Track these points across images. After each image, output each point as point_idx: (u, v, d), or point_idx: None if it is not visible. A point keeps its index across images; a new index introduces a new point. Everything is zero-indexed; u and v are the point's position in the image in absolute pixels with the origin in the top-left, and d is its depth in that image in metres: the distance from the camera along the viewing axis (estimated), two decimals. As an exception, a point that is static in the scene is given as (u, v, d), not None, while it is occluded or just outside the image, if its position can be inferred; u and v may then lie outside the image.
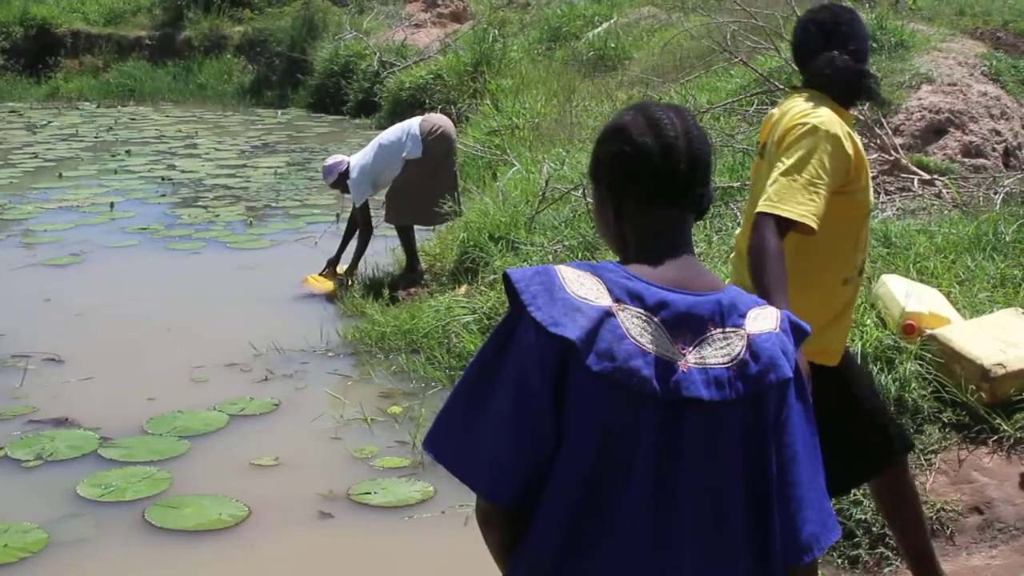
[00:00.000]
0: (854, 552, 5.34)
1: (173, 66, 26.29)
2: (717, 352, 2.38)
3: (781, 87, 9.51)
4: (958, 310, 6.32)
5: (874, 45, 11.37)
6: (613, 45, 16.98)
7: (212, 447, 7.18)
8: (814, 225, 3.81)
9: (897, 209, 8.64)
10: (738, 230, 4.73)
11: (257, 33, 26.02)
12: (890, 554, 5.23)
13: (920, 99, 10.11)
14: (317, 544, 6.04)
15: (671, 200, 2.48)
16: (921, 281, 6.66)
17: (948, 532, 5.35)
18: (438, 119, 10.68)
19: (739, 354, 2.39)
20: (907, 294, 6.17)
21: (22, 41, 26.37)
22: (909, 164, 9.15)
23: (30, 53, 26.34)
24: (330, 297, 10.24)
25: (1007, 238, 7.52)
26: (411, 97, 18.98)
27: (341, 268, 10.60)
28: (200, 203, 14.55)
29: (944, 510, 5.41)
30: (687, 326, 2.39)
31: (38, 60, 26.34)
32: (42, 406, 7.70)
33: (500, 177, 11.50)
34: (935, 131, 9.91)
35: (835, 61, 4.13)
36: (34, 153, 18.55)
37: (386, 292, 9.74)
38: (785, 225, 3.79)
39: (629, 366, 2.33)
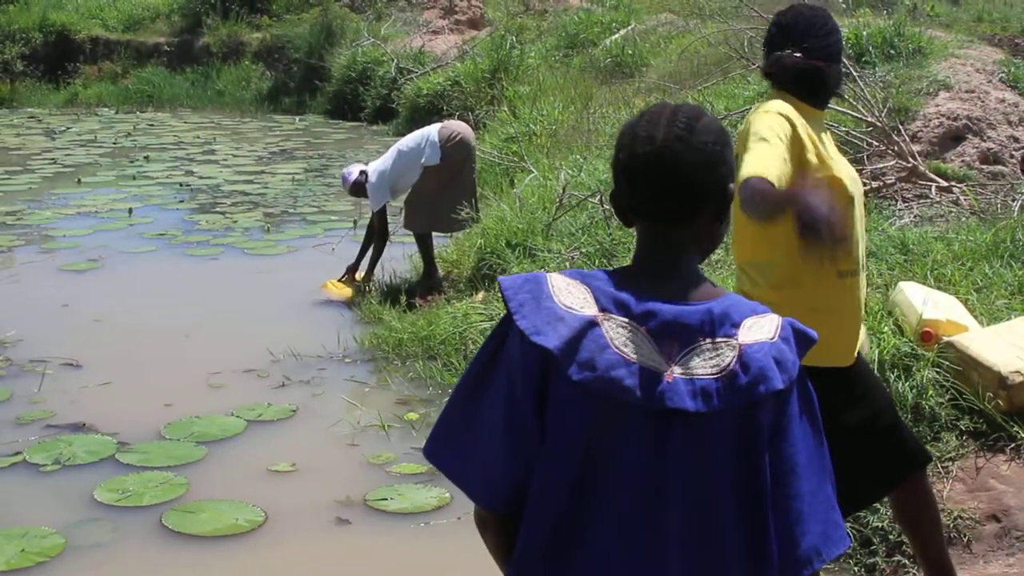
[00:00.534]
0: (871, 560, 5.34)
1: (191, 72, 26.31)
2: (706, 363, 2.35)
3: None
4: (975, 317, 6.31)
5: (891, 52, 11.37)
6: (630, 52, 16.96)
7: (229, 453, 7.20)
8: (774, 181, 3.73)
9: (915, 216, 8.62)
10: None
11: (275, 40, 26.03)
12: (907, 562, 5.22)
13: (938, 106, 10.09)
14: (333, 550, 6.05)
15: (650, 215, 2.44)
16: (938, 288, 6.65)
17: (965, 540, 5.34)
18: (457, 126, 10.69)
19: (729, 365, 2.35)
20: (924, 301, 6.17)
21: (41, 47, 26.42)
22: (927, 171, 9.13)
23: (49, 59, 26.39)
24: (347, 303, 10.25)
25: (1025, 245, 7.51)
26: (429, 104, 18.99)
27: (360, 275, 10.61)
28: (218, 209, 14.58)
29: (961, 518, 5.40)
30: (675, 336, 2.36)
31: (57, 66, 26.39)
32: (60, 411, 7.72)
33: (517, 184, 11.51)
34: (953, 138, 9.89)
35: (782, 59, 4.16)
36: (53, 159, 18.60)
37: (403, 299, 9.74)
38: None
39: (610, 376, 2.32)
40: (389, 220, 10.71)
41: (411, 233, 10.63)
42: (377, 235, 10.59)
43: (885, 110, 9.55)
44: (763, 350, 2.38)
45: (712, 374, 2.34)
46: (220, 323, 9.77)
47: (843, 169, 4.11)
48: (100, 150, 19.46)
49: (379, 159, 10.70)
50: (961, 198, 8.89)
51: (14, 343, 9.08)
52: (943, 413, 5.76)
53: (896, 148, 9.19)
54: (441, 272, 10.51)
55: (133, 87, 25.96)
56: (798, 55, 4.17)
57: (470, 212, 10.29)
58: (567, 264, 8.59)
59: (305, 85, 24.75)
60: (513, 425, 2.39)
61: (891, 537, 5.32)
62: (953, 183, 9.10)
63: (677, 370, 2.34)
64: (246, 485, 6.73)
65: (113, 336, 9.37)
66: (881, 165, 9.28)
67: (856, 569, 5.34)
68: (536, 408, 2.37)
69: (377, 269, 10.62)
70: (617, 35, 18.39)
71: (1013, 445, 5.63)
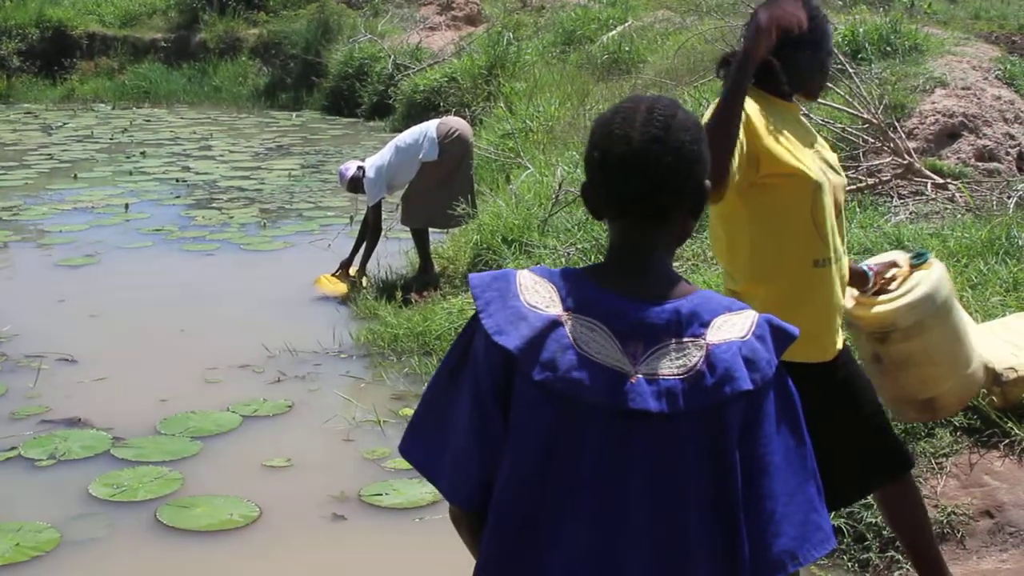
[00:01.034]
0: (864, 556, 5.34)
1: (188, 68, 26.30)
2: (672, 363, 2.32)
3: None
4: (971, 314, 6.30)
5: (888, 49, 11.38)
6: (627, 48, 16.95)
7: (224, 448, 7.20)
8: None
9: (910, 213, 8.63)
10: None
11: (272, 36, 26.03)
12: (900, 557, 5.21)
13: (934, 103, 10.10)
14: (328, 545, 6.05)
15: (624, 214, 2.42)
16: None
17: (959, 536, 5.34)
18: (455, 122, 10.69)
19: (695, 365, 2.33)
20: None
21: (38, 43, 26.40)
22: (922, 168, 9.14)
23: (46, 55, 26.38)
24: (343, 299, 10.25)
25: (1020, 242, 7.50)
26: (425, 100, 19.01)
27: (353, 270, 10.61)
28: (214, 205, 14.59)
29: (955, 514, 5.40)
30: (639, 336, 2.34)
31: (54, 62, 26.38)
32: (55, 406, 7.73)
33: (514, 180, 11.51)
34: (949, 135, 9.90)
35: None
36: (49, 154, 18.59)
37: (399, 294, 9.75)
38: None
39: (571, 376, 2.31)
40: (384, 216, 10.72)
41: (407, 229, 10.63)
42: (370, 231, 10.60)
43: (881, 107, 9.56)
44: (731, 350, 2.35)
45: (678, 375, 2.32)
46: (216, 318, 9.77)
47: (810, 159, 4.04)
48: (96, 146, 19.46)
49: (376, 155, 10.70)
50: (956, 195, 8.91)
51: (10, 338, 9.08)
52: (937, 409, 5.76)
53: (892, 145, 9.20)
54: (437, 268, 10.52)
55: (130, 83, 25.95)
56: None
57: (467, 208, 10.29)
58: (563, 260, 8.59)
59: (302, 81, 24.76)
60: (480, 424, 2.39)
61: (885, 532, 5.32)
62: (949, 180, 9.11)
63: (641, 370, 2.32)
64: (241, 480, 6.73)
65: (109, 331, 9.37)
66: (877, 162, 9.29)
67: (850, 564, 5.35)
68: (501, 408, 2.37)
69: (373, 265, 10.62)
70: (614, 31, 18.38)
71: (1007, 441, 5.64)
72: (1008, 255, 7.33)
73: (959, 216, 8.46)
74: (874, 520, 5.36)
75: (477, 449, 2.40)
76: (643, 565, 2.34)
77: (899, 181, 9.10)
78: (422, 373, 8.25)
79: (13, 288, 10.95)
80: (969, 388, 4.77)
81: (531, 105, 14.88)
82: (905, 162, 9.07)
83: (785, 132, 4.00)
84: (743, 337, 2.37)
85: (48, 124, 22.11)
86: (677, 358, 2.33)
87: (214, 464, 6.96)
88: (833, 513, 5.32)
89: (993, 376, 5.59)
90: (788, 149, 3.98)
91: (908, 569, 5.15)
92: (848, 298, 4.36)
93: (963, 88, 10.39)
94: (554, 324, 2.34)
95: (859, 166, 9.26)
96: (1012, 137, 10.09)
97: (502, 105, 15.88)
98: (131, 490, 6.55)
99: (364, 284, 10.43)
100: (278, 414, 7.72)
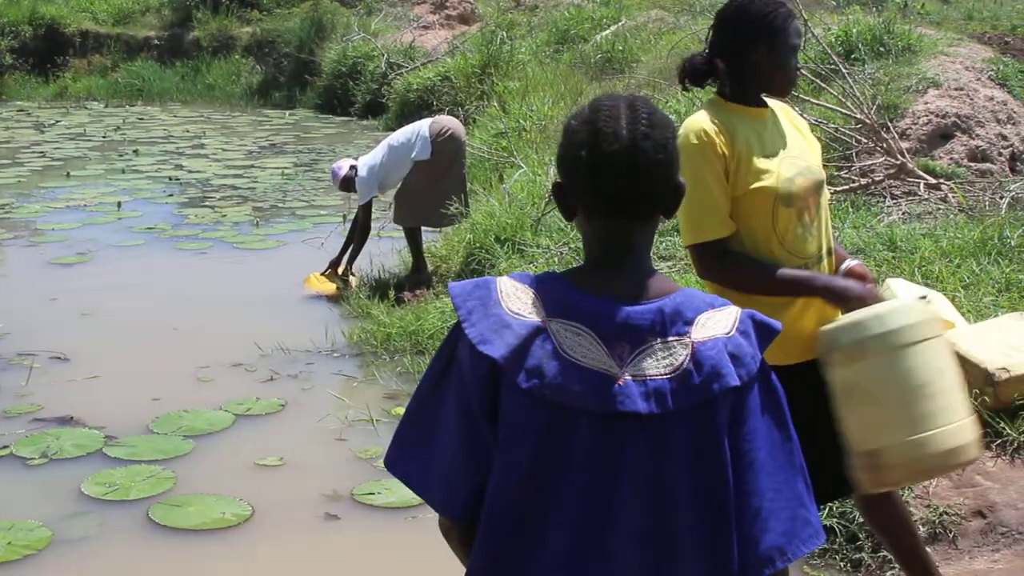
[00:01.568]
0: (857, 555, 5.34)
1: (181, 66, 26.32)
2: (658, 363, 2.32)
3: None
4: (963, 314, 6.30)
5: (881, 49, 11.38)
6: (620, 48, 16.95)
7: (217, 447, 7.20)
8: (727, 232, 3.98)
9: (903, 213, 8.64)
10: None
11: (265, 34, 26.04)
12: (893, 557, 5.22)
13: (927, 103, 10.11)
14: (321, 543, 6.05)
15: (611, 213, 2.40)
16: (926, 285, 6.64)
17: (951, 536, 5.34)
18: (448, 121, 10.69)
19: (682, 364, 2.32)
20: (912, 298, 6.16)
21: (31, 40, 26.41)
22: (915, 168, 9.14)
23: (39, 52, 26.39)
24: (336, 298, 10.25)
25: (1012, 243, 7.51)
26: (419, 99, 19.00)
27: (342, 269, 10.62)
28: (207, 203, 14.59)
29: (947, 514, 5.41)
30: (624, 337, 2.33)
31: (47, 59, 26.39)
32: (48, 404, 7.72)
33: (507, 179, 11.50)
34: (941, 135, 9.91)
35: (685, 61, 4.23)
36: (42, 152, 18.60)
37: (392, 293, 9.75)
38: (713, 245, 3.95)
39: (558, 382, 2.30)
40: (377, 215, 10.72)
41: (400, 228, 10.62)
42: (359, 230, 10.60)
43: (874, 107, 9.56)
44: (717, 346, 2.35)
45: (665, 374, 2.32)
46: (208, 317, 9.76)
47: (775, 168, 4.06)
48: (89, 144, 19.47)
49: (369, 154, 10.70)
50: (949, 195, 8.91)
51: (2, 336, 9.09)
52: (930, 409, 5.76)
53: (885, 145, 9.20)
54: (430, 267, 10.51)
55: (123, 81, 25.98)
56: (701, 55, 4.21)
57: (459, 207, 10.29)
58: (556, 259, 8.59)
59: (295, 79, 24.77)
60: (468, 434, 2.38)
61: (877, 533, 5.33)
62: (941, 180, 9.12)
63: (628, 372, 2.31)
64: (233, 479, 6.73)
65: (101, 330, 9.37)
66: (870, 162, 9.29)
67: (842, 564, 5.35)
68: (489, 416, 2.35)
69: (366, 263, 10.62)
70: (607, 31, 18.40)
71: (999, 441, 5.64)
72: (1000, 255, 7.34)
73: (952, 216, 8.46)
74: (866, 520, 5.36)
75: (467, 459, 2.39)
76: (633, 565, 2.33)
77: (892, 181, 9.11)
78: (415, 372, 8.24)
79: (5, 286, 10.95)
80: (920, 459, 4.02)
81: (524, 104, 14.86)
82: (898, 162, 9.07)
83: (746, 146, 4.01)
84: (727, 333, 2.37)
85: (41, 122, 22.11)
86: (663, 358, 2.33)
87: (207, 463, 6.95)
88: (825, 513, 5.34)
89: (986, 376, 5.60)
90: (748, 166, 4.00)
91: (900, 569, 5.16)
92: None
93: (956, 89, 10.40)
94: (538, 330, 2.33)
95: (852, 166, 9.27)
96: (1005, 138, 10.10)
97: (495, 104, 15.87)
98: (123, 489, 6.55)
99: (353, 283, 10.43)
100: (271, 413, 7.71)
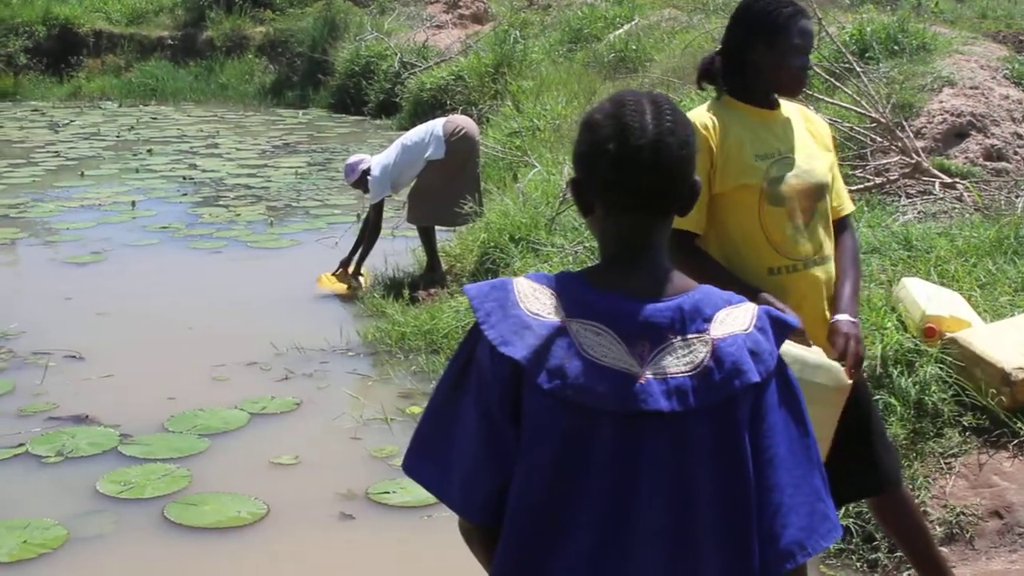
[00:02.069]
0: (873, 556, 5.33)
1: (195, 66, 26.35)
2: (679, 361, 2.32)
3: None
4: (979, 314, 6.30)
5: (896, 48, 11.36)
6: (634, 47, 16.94)
7: (232, 445, 7.20)
8: (696, 230, 4.00)
9: (918, 212, 8.61)
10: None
11: (278, 33, 26.06)
12: (909, 557, 5.21)
13: (942, 102, 10.08)
14: (335, 543, 6.05)
15: (633, 208, 2.40)
16: (942, 284, 6.64)
17: (968, 536, 5.33)
18: (462, 120, 10.69)
19: (702, 361, 2.32)
20: (928, 297, 6.15)
21: (45, 40, 26.45)
22: (930, 167, 9.12)
23: (53, 52, 26.43)
24: (350, 297, 10.26)
25: (1029, 242, 7.50)
26: (432, 98, 19.00)
27: (353, 269, 10.62)
28: (221, 202, 14.60)
29: (964, 514, 5.40)
30: (645, 336, 2.33)
31: (60, 59, 26.44)
32: (63, 403, 7.74)
33: (521, 178, 11.50)
34: (956, 134, 9.87)
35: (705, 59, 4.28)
36: (56, 152, 18.62)
37: (406, 292, 9.76)
38: (683, 234, 3.92)
39: (580, 383, 2.29)
40: (391, 214, 10.71)
41: (414, 227, 10.62)
42: (370, 229, 10.59)
43: (889, 106, 9.54)
44: (737, 343, 2.35)
45: (686, 372, 2.31)
46: (223, 316, 9.77)
47: (770, 167, 4.04)
48: (103, 143, 19.50)
49: (382, 153, 10.70)
50: (965, 194, 8.88)
51: (17, 335, 9.10)
52: (946, 409, 5.75)
53: (900, 144, 9.18)
54: (444, 266, 10.51)
55: (136, 80, 26.02)
56: (712, 54, 4.26)
57: (473, 206, 10.28)
58: (571, 259, 8.58)
59: (308, 79, 24.78)
60: (489, 436, 2.37)
61: (894, 532, 5.31)
62: (957, 179, 9.09)
63: (649, 371, 2.31)
64: (248, 478, 6.73)
65: (116, 329, 9.38)
66: (885, 161, 9.27)
67: (859, 564, 5.34)
68: (511, 418, 2.34)
69: (380, 263, 10.61)
70: (621, 30, 18.38)
71: (1016, 441, 5.62)
72: (1016, 254, 7.31)
73: (967, 215, 8.44)
74: (883, 520, 5.35)
75: (487, 461, 2.37)
76: (655, 564, 2.33)
77: (907, 180, 9.08)
78: (429, 371, 8.25)
79: (20, 285, 10.97)
80: None
81: (538, 103, 14.86)
82: (913, 161, 9.05)
83: (737, 143, 4.04)
84: (746, 330, 2.38)
85: (55, 121, 22.15)
86: (684, 355, 2.32)
87: (222, 461, 6.96)
88: (842, 513, 5.32)
89: (1002, 376, 5.59)
90: (736, 162, 4.01)
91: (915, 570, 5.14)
92: None
93: (971, 87, 10.37)
94: (559, 331, 2.33)
95: (867, 165, 9.25)
96: (1020, 136, 10.07)
97: (509, 103, 15.86)
98: (139, 487, 6.56)
99: (363, 282, 10.43)
100: (286, 412, 7.72)
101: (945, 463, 5.62)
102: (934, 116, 9.95)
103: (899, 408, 5.67)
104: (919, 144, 9.43)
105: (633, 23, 18.76)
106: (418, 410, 7.60)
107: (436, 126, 10.44)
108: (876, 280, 6.86)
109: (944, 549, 5.18)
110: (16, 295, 10.45)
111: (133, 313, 9.77)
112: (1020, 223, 7.72)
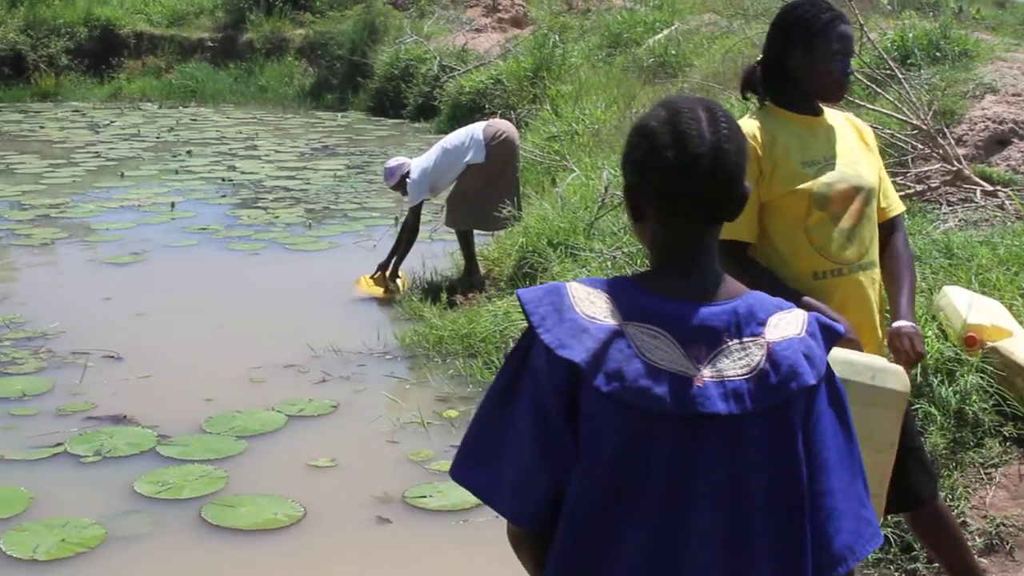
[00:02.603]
0: (912, 566, 5.30)
1: (235, 68, 26.43)
2: (735, 364, 2.33)
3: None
4: (1021, 323, 6.25)
5: (937, 54, 11.30)
6: (673, 52, 16.90)
7: (269, 447, 7.22)
8: (749, 239, 4.02)
9: (959, 220, 8.56)
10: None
11: (318, 36, 26.10)
12: (948, 568, 5.17)
13: (984, 109, 10.02)
14: (372, 545, 6.06)
15: (688, 215, 2.40)
16: (983, 293, 6.59)
17: (1008, 547, 5.29)
18: (502, 125, 10.68)
19: (758, 364, 2.33)
20: (969, 306, 6.11)
21: (86, 41, 26.61)
22: (972, 175, 9.06)
23: (94, 53, 26.60)
24: (387, 300, 10.27)
25: (1071, 251, 7.43)
26: (471, 102, 19.02)
27: (391, 272, 10.62)
28: (260, 204, 14.65)
29: (1004, 525, 5.36)
30: (701, 339, 2.33)
31: (101, 60, 26.60)
32: (101, 403, 7.77)
33: (559, 183, 11.49)
34: (998, 142, 9.81)
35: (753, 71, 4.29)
36: (96, 152, 18.72)
37: (444, 296, 9.76)
38: (732, 244, 3.93)
39: (639, 385, 2.29)
40: (429, 218, 10.72)
41: (452, 231, 10.63)
42: (407, 232, 10.59)
43: (930, 113, 9.49)
44: (792, 346, 2.36)
45: (743, 375, 2.32)
46: (261, 318, 9.79)
47: (818, 173, 4.05)
48: (143, 144, 19.58)
49: (422, 156, 10.70)
50: (1007, 202, 8.82)
51: (56, 335, 9.14)
52: (987, 419, 5.71)
53: (941, 151, 9.13)
54: (482, 270, 10.51)
55: (177, 82, 26.11)
56: (753, 64, 4.27)
57: (512, 211, 10.28)
58: (609, 264, 8.57)
59: (347, 82, 24.81)
60: (546, 440, 2.35)
61: (933, 542, 5.27)
62: (998, 187, 9.03)
63: (707, 373, 2.31)
64: (285, 480, 6.74)
65: (154, 329, 9.41)
66: (926, 168, 9.22)
67: (897, 575, 5.30)
68: (568, 421, 2.34)
69: (418, 266, 10.62)
70: (660, 35, 18.34)
71: (1057, 452, 5.59)
72: (1059, 264, 7.26)
73: (1009, 224, 8.37)
74: (922, 529, 5.31)
75: (544, 467, 2.36)
76: (711, 567, 2.34)
77: (948, 188, 9.03)
78: (467, 375, 8.25)
79: (60, 285, 11.01)
80: None
81: (577, 108, 14.86)
82: (954, 168, 9.00)
83: (785, 150, 4.05)
84: (799, 334, 2.39)
85: (95, 122, 22.27)
86: (740, 358, 2.33)
87: (259, 463, 6.98)
88: (880, 522, 5.29)
89: (1044, 386, 5.55)
90: (784, 170, 4.00)
91: (956, 580, 5.11)
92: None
93: (1013, 94, 10.30)
94: (616, 334, 2.32)
95: (908, 172, 9.20)
96: (1063, 144, 9.99)
97: (548, 108, 15.87)
98: (176, 488, 6.58)
99: (400, 286, 10.44)
100: (323, 414, 7.73)
101: (985, 473, 5.58)
102: (976, 123, 9.89)
103: (939, 418, 5.63)
104: (960, 151, 9.38)
105: (673, 28, 18.71)
106: (455, 414, 7.62)
107: (477, 130, 10.44)
108: (917, 289, 6.80)
109: (983, 560, 5.15)
110: (56, 295, 10.49)
111: (171, 314, 9.81)
112: (1062, 232, 7.66)
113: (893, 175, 8.87)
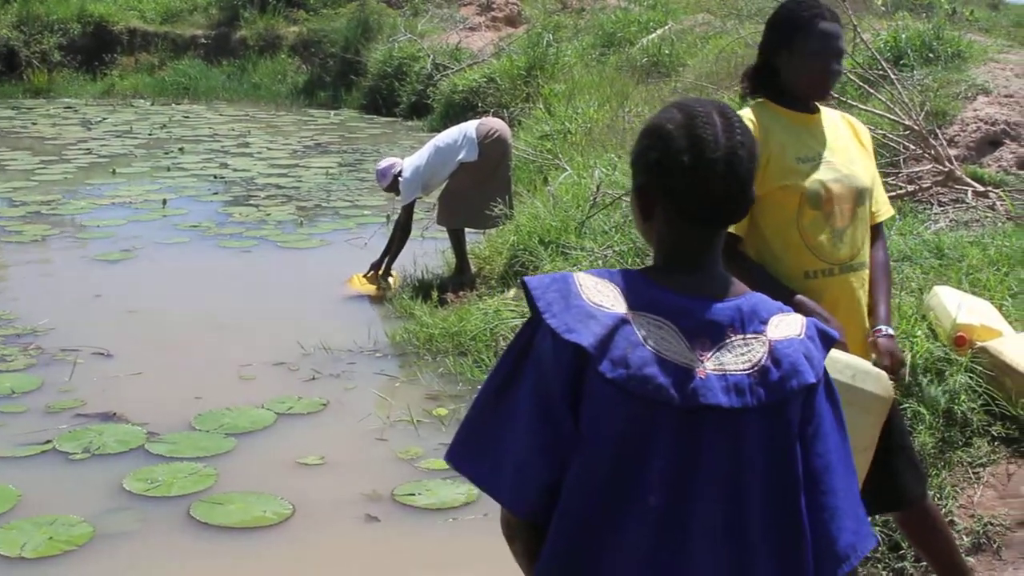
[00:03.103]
0: (899, 564, 5.29)
1: (228, 65, 26.43)
2: (737, 358, 2.36)
3: (834, 95, 9.44)
4: (1010, 323, 6.25)
5: (930, 55, 11.31)
6: (667, 51, 16.93)
7: (258, 445, 7.21)
8: (740, 233, 4.00)
9: (950, 220, 8.57)
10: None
11: (311, 34, 26.12)
12: (936, 568, 5.17)
13: (976, 110, 10.03)
14: (360, 544, 6.05)
15: (700, 217, 2.43)
16: (973, 293, 6.59)
17: (995, 547, 5.29)
18: (495, 123, 10.68)
19: (760, 360, 2.37)
20: (959, 306, 6.11)
21: (79, 38, 26.60)
22: (963, 175, 9.07)
23: (87, 50, 26.58)
24: (378, 298, 10.26)
25: (1061, 251, 7.44)
26: (464, 100, 19.02)
27: (383, 270, 10.61)
28: (252, 202, 14.63)
29: (992, 524, 5.35)
30: (705, 332, 2.37)
31: (95, 57, 26.59)
32: (90, 400, 7.75)
33: (551, 181, 11.49)
34: (990, 142, 9.82)
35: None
36: (88, 149, 18.70)
37: (435, 294, 9.76)
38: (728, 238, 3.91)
39: (644, 373, 2.31)
40: (420, 216, 10.71)
41: (444, 229, 10.62)
42: (400, 230, 10.59)
43: (922, 113, 9.49)
44: (793, 346, 2.40)
45: (744, 370, 2.35)
46: (251, 316, 9.78)
47: (812, 170, 4.04)
48: (135, 141, 19.56)
49: (414, 154, 10.69)
50: (997, 203, 8.83)
51: (46, 332, 9.12)
52: (975, 418, 5.71)
53: (933, 152, 9.13)
54: (473, 268, 10.51)
55: (169, 79, 26.12)
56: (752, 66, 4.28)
57: (504, 209, 10.27)
58: (600, 262, 8.56)
59: (340, 80, 24.84)
60: (547, 426, 2.36)
61: (921, 542, 5.27)
62: (990, 188, 9.04)
63: (710, 366, 2.34)
64: (274, 477, 6.73)
65: (145, 327, 9.39)
66: (917, 169, 9.22)
67: (885, 573, 5.30)
68: (571, 408, 2.35)
69: (409, 264, 10.61)
70: (654, 34, 18.36)
71: (1046, 452, 5.59)
72: (1049, 264, 7.26)
73: (1000, 224, 8.38)
74: (910, 529, 5.31)
75: (545, 452, 2.37)
76: (710, 558, 2.35)
77: (939, 188, 9.03)
78: (456, 373, 8.25)
79: (50, 282, 10.99)
80: None
81: (570, 107, 14.86)
82: (946, 169, 9.00)
83: (779, 146, 4.05)
84: (799, 336, 2.43)
85: (88, 119, 22.27)
86: (743, 354, 2.37)
87: (248, 461, 6.96)
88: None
89: (1033, 386, 5.55)
90: (778, 165, 4.00)
91: (944, 580, 5.11)
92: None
93: (1005, 95, 10.31)
94: (623, 321, 2.35)
95: (899, 173, 9.20)
96: (1054, 146, 10.00)
97: (541, 106, 15.87)
98: (165, 485, 6.56)
99: (392, 283, 10.43)
100: (312, 412, 7.72)
101: (973, 473, 5.59)
102: (968, 124, 9.90)
103: (928, 417, 5.63)
104: (952, 152, 9.39)
105: (667, 27, 18.74)
106: (445, 412, 7.61)
107: (469, 128, 10.43)
108: (907, 288, 6.82)
109: (971, 559, 5.15)
110: (45, 291, 10.48)
111: (162, 311, 9.79)
112: (1053, 233, 7.67)
113: (885, 175, 8.88)
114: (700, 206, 2.41)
